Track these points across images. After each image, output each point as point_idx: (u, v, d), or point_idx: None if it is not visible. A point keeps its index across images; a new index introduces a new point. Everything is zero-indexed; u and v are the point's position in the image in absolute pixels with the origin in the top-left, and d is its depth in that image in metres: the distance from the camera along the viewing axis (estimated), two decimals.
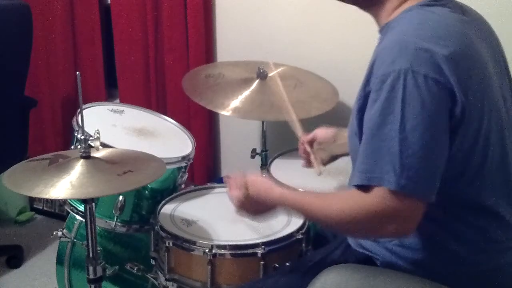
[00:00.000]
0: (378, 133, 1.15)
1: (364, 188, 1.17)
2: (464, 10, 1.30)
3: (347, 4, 1.35)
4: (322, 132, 1.70)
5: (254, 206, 1.41)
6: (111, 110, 2.13)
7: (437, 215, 1.21)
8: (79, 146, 1.49)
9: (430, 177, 1.15)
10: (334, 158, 1.71)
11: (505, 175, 1.28)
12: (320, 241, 1.67)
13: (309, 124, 1.79)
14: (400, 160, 1.12)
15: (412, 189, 1.13)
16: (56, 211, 3.03)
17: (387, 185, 1.13)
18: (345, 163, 1.89)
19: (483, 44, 1.27)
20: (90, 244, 1.55)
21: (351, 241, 1.43)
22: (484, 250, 1.26)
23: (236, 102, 2.06)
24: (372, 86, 1.17)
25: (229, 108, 2.04)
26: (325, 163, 1.70)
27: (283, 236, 1.64)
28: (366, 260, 1.36)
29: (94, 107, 2.11)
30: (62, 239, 1.97)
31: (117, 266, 1.70)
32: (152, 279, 1.83)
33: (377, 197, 1.15)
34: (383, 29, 1.30)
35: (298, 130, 1.74)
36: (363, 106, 1.20)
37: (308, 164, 1.71)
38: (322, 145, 1.70)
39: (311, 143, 1.70)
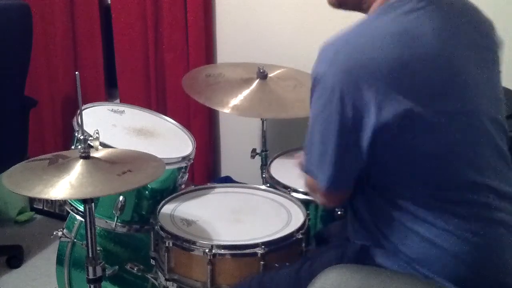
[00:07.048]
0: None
1: None
2: (447, 3, 1.23)
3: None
4: None
5: None
6: (111, 110, 2.13)
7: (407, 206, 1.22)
8: (79, 146, 1.49)
9: (343, 178, 1.24)
10: None
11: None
12: (320, 241, 1.67)
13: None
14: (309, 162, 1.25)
15: (332, 187, 1.25)
16: (56, 211, 3.03)
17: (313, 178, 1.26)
18: None
19: (460, 44, 1.21)
20: (89, 244, 1.55)
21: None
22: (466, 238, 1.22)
23: (235, 100, 2.05)
24: None
25: (228, 106, 2.04)
26: None
27: (283, 236, 1.64)
28: (363, 251, 1.35)
29: (94, 107, 2.10)
30: (62, 239, 1.97)
31: (117, 266, 1.70)
32: (152, 279, 1.83)
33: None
34: None
35: None
36: None
37: None
38: None
39: None
